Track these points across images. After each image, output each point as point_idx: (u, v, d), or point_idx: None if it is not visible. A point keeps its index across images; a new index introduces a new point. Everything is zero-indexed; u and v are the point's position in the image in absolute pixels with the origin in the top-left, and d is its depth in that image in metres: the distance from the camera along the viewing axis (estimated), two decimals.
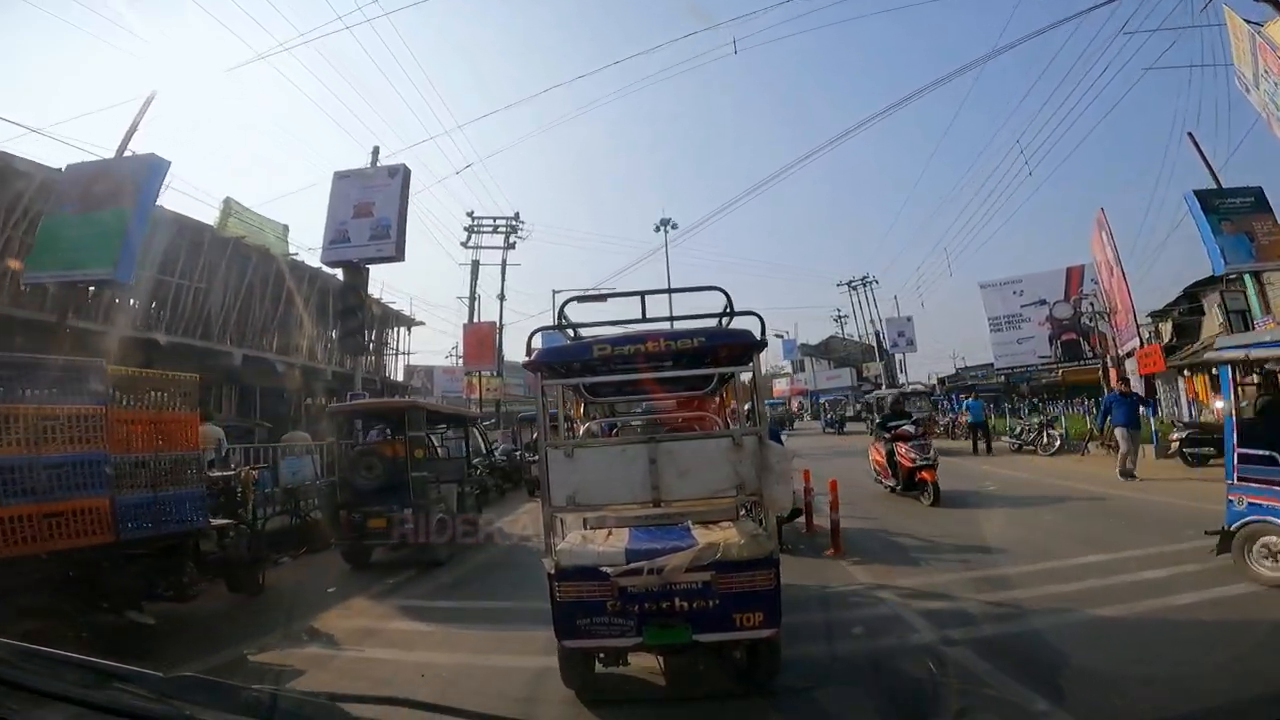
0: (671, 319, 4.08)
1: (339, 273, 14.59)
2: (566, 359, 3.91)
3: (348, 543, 6.91)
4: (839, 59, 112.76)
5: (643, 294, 3.95)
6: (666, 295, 4.97)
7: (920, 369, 40.27)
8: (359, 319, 10.46)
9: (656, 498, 3.53)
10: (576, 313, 4.22)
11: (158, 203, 15.58)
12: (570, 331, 4.16)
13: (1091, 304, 22.59)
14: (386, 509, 6.66)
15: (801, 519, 7.51)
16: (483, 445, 11.08)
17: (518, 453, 16.34)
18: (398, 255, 11.15)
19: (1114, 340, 23.55)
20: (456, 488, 7.84)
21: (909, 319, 33.72)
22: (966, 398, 18.73)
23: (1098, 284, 33.00)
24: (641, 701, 3.53)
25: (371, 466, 6.80)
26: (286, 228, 19.30)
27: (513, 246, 30.04)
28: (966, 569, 5.66)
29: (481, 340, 25.72)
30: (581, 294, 4.68)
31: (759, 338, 3.69)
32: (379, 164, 12.63)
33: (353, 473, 6.80)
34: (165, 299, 15.68)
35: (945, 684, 3.45)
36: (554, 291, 31.89)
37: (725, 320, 3.96)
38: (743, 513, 4.09)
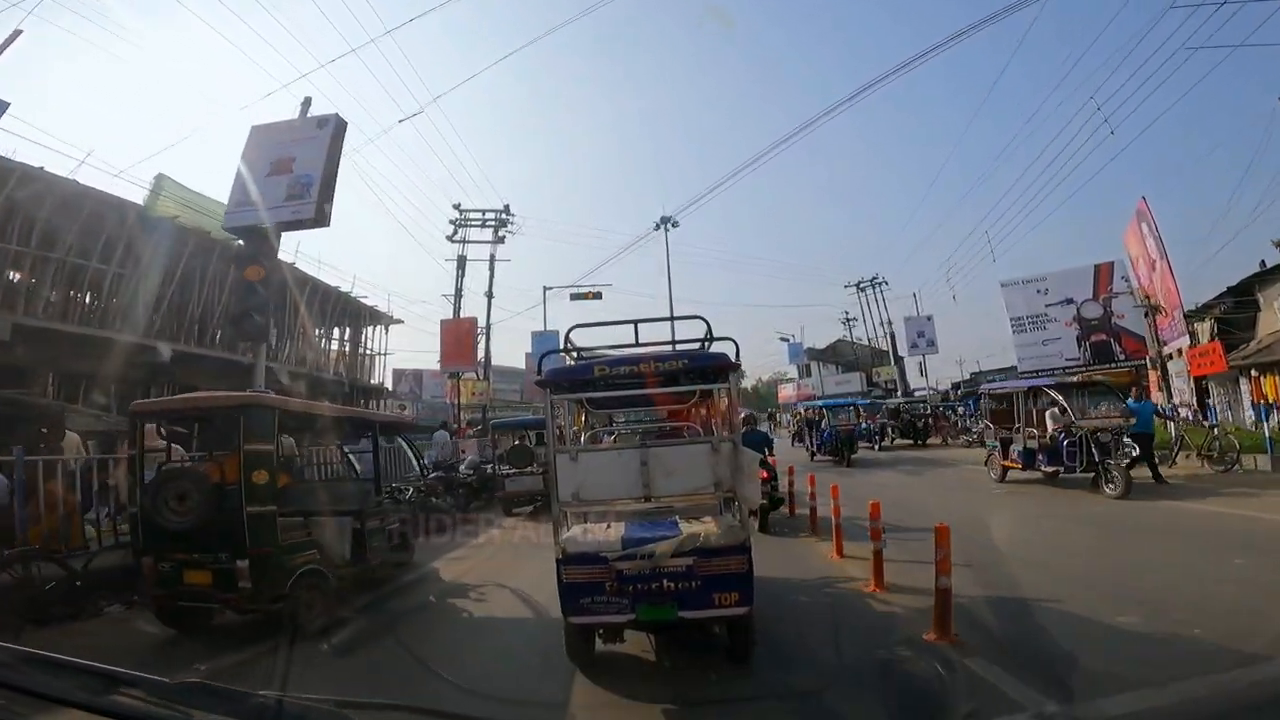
0: (674, 342, 4.60)
1: (293, 256, 12.45)
2: (572, 378, 4.45)
3: (158, 602, 4.68)
4: (846, 55, 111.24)
5: (635, 322, 4.58)
6: (659, 319, 5.41)
7: (912, 376, 37.89)
8: (260, 296, 8.22)
9: (647, 494, 4.05)
10: (578, 326, 4.85)
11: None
12: (575, 353, 4.71)
13: (1148, 297, 20.15)
14: (211, 557, 4.46)
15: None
16: (414, 460, 8.73)
17: (488, 465, 14.02)
18: (319, 218, 8.98)
19: (1156, 340, 21.11)
20: (352, 523, 5.61)
21: (929, 318, 31.28)
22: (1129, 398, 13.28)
23: (1128, 281, 30.71)
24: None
25: (185, 495, 4.48)
26: None
27: (502, 240, 28.26)
28: None
29: (461, 338, 23.52)
30: (583, 322, 5.18)
31: (733, 360, 4.27)
32: (309, 115, 10.51)
33: (156, 504, 4.54)
34: (74, 283, 13.60)
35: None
36: (545, 288, 30.04)
37: (706, 344, 4.49)
38: (735, 505, 4.36)
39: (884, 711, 3.26)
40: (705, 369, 4.26)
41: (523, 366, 35.68)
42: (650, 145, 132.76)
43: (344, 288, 21.91)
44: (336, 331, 23.54)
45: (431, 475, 11.74)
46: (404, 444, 8.45)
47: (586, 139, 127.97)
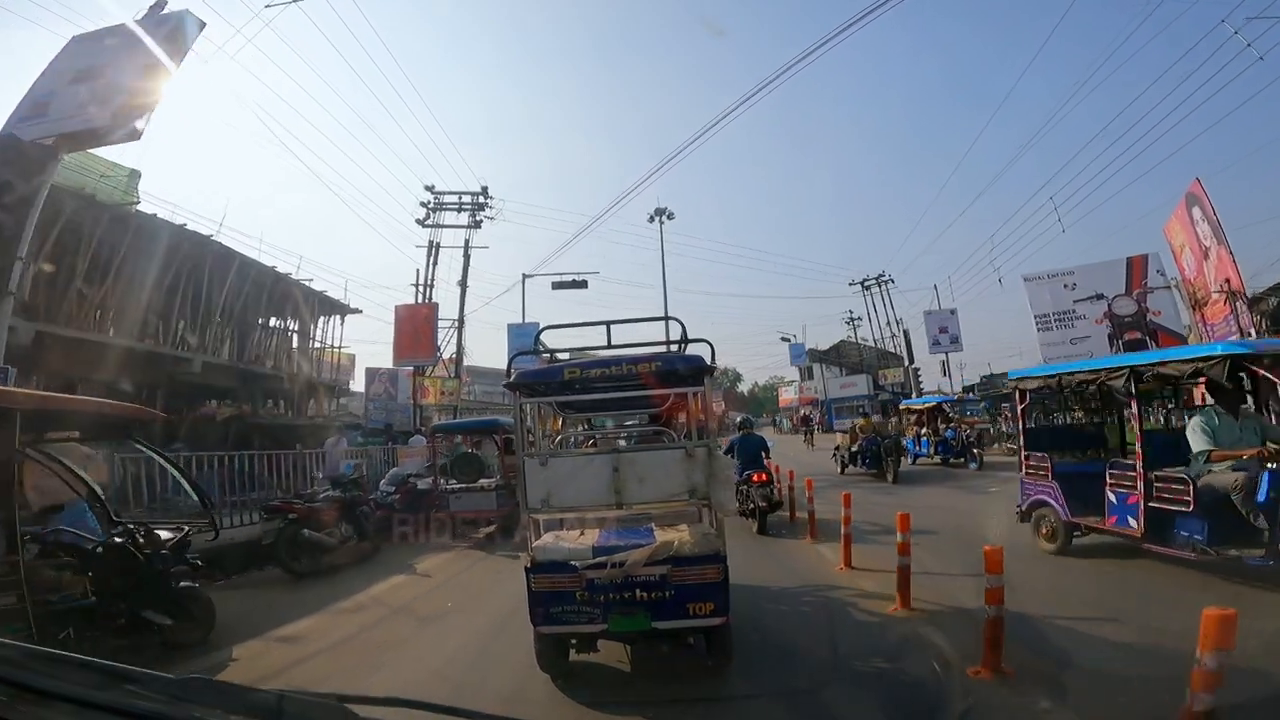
0: (669, 342, 4.65)
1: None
2: (541, 380, 4.39)
3: None
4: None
5: (608, 323, 4.54)
6: (632, 319, 5.20)
7: (925, 379, 35.19)
8: None
9: (618, 501, 3.97)
10: (550, 327, 4.94)
11: None
12: (548, 354, 4.84)
13: (1227, 281, 17.41)
14: None
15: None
16: (181, 478, 5.71)
17: (417, 478, 11.21)
18: (116, 126, 6.40)
19: (1240, 332, 18.31)
20: None
21: (953, 312, 28.28)
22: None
23: (1163, 274, 28.01)
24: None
25: None
26: (136, 173, 14.67)
27: (479, 225, 25.90)
28: None
29: (418, 326, 20.88)
30: (555, 323, 4.67)
31: (709, 363, 4.18)
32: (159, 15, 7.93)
33: None
34: None
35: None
36: (524, 275, 27.53)
37: (682, 346, 4.59)
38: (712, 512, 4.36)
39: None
40: (680, 371, 4.19)
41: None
42: (651, 145, 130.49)
43: (305, 278, 19.47)
44: (280, 322, 20.97)
45: (323, 494, 9.13)
46: (147, 449, 5.62)
47: (583, 133, 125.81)
